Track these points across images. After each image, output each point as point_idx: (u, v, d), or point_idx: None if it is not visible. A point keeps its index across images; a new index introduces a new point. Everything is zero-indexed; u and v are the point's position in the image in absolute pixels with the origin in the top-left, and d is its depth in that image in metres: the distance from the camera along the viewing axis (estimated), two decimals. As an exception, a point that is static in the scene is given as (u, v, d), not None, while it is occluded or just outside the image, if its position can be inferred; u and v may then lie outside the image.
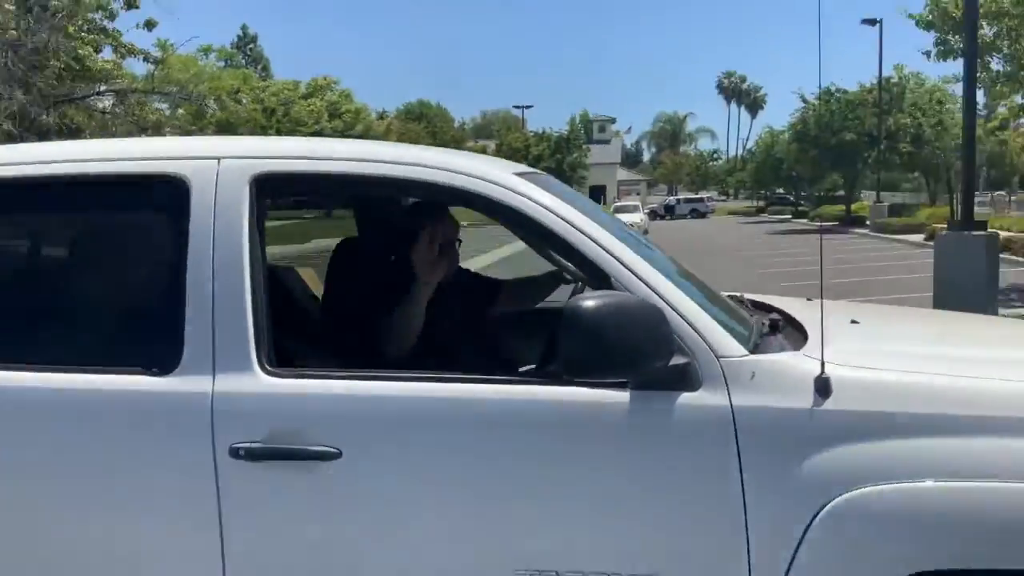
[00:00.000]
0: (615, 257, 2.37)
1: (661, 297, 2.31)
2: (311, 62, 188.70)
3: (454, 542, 2.32)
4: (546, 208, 2.44)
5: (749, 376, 2.25)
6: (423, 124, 59.13)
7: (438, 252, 2.96)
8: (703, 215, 63.50)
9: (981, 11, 13.28)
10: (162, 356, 2.38)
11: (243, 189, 2.46)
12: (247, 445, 2.28)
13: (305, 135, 46.60)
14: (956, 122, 30.89)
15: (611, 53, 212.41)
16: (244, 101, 28.46)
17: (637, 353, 2.19)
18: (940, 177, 40.66)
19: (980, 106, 30.58)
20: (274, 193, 2.69)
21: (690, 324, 2.29)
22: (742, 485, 2.20)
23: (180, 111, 29.52)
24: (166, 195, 2.54)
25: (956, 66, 15.05)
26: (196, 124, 26.19)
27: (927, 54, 16.21)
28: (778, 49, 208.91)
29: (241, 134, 26.71)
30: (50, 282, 2.79)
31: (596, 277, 2.39)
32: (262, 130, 27.55)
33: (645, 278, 2.35)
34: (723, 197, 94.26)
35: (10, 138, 11.75)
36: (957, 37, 14.46)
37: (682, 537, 2.26)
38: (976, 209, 11.95)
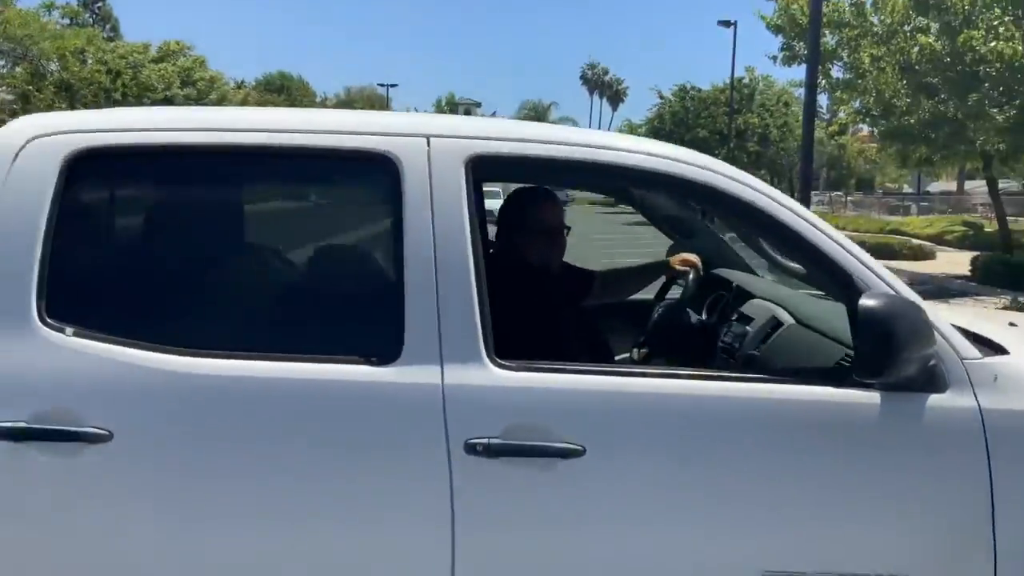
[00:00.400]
0: (856, 258, 2.35)
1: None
2: (165, 25, 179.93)
3: (700, 542, 2.26)
4: (789, 208, 2.39)
5: (992, 378, 2.28)
6: (283, 96, 57.41)
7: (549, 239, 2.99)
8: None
9: (824, 20, 14.04)
10: (381, 345, 2.25)
11: (459, 170, 2.32)
12: (485, 440, 2.18)
13: (154, 101, 44.48)
14: (800, 124, 32.63)
15: (478, 37, 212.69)
16: (88, 62, 26.80)
17: (913, 352, 2.18)
18: (784, 176, 42.88)
19: (823, 110, 32.45)
20: (488, 175, 2.53)
21: (933, 325, 2.27)
22: (991, 487, 2.22)
23: (18, 69, 27.57)
24: (374, 174, 2.40)
25: (801, 71, 15.83)
26: (33, 84, 24.50)
27: (773, 58, 16.99)
28: (639, 45, 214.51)
29: (83, 97, 25.25)
30: (258, 264, 2.60)
31: (837, 277, 2.36)
32: (105, 93, 26.01)
33: (886, 279, 2.33)
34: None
35: None
36: (802, 43, 15.22)
37: (930, 538, 2.26)
38: (814, 208, 12.60)
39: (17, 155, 2.28)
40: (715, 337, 3.32)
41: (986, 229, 24.14)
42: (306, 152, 2.38)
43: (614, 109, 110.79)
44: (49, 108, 24.76)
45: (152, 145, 2.37)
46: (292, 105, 55.01)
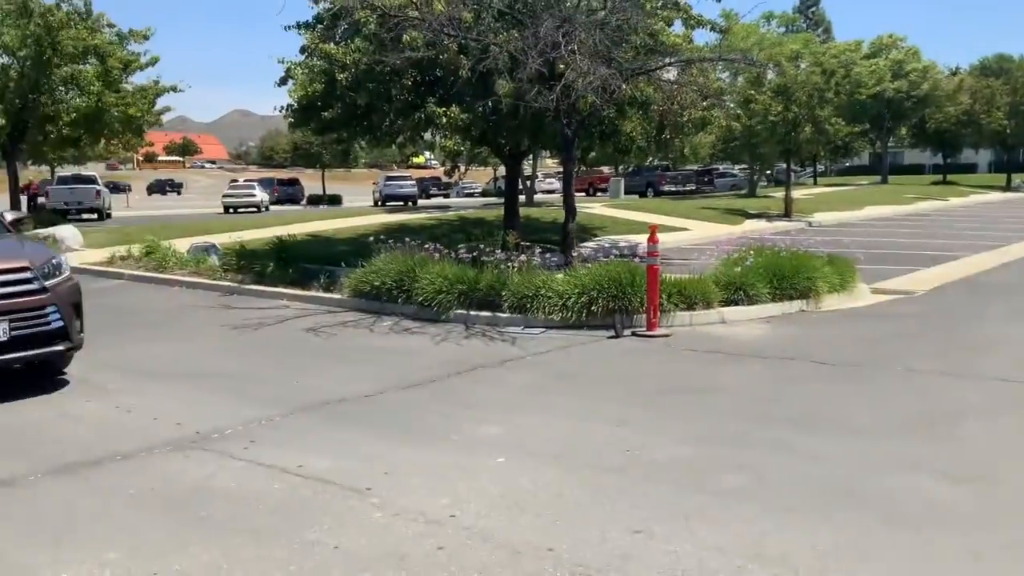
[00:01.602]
0: None
1: None
2: (876, 21, 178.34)
3: None
4: None
5: None
6: (1001, 80, 52.38)
7: None
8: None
9: None
10: None
11: None
12: None
13: (864, 97, 44.70)
14: None
15: None
16: (802, 65, 28.15)
17: None
18: None
19: None
20: None
21: None
22: None
23: (740, 79, 30.40)
24: None
25: None
26: (754, 90, 26.67)
27: None
28: None
29: (796, 98, 26.68)
30: None
31: None
32: (819, 93, 27.01)
33: None
34: None
35: (592, 108, 13.29)
36: None
37: None
38: None
39: None
40: None
41: None
42: None
43: None
44: (765, 111, 26.77)
45: None
46: (1014, 88, 49.98)
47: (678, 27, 15.74)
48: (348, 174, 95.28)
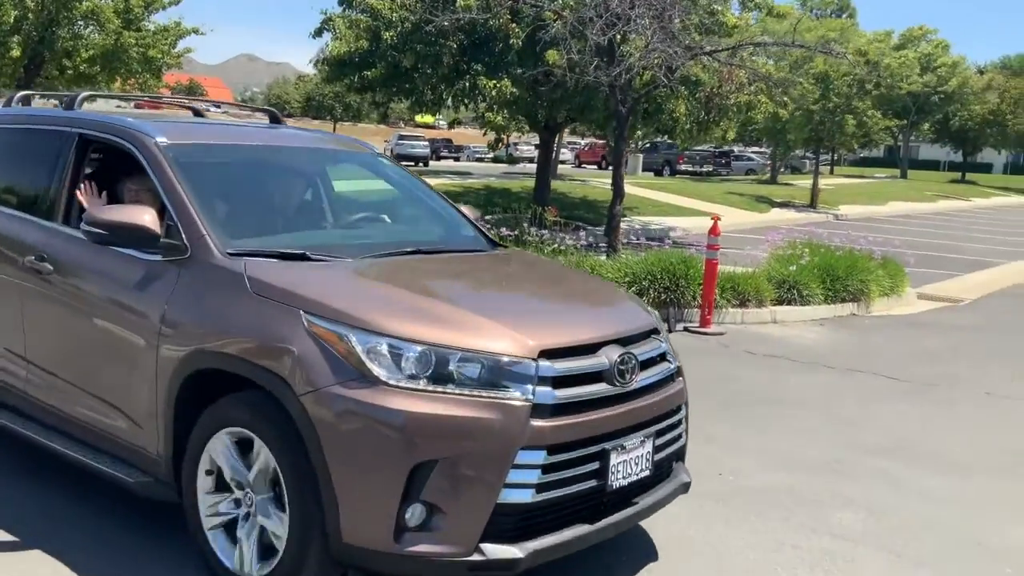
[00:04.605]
0: None
1: None
2: (901, 11, 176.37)
3: None
4: None
5: None
6: (1027, 80, 51.73)
7: None
8: None
9: None
10: None
11: None
12: None
13: (903, 91, 43.66)
14: None
15: None
16: (845, 54, 27.54)
17: None
18: None
19: None
20: None
21: None
22: None
23: (772, 63, 29.69)
24: None
25: None
26: (798, 76, 26.07)
27: None
28: None
29: (835, 87, 26.03)
30: None
31: None
32: (859, 84, 26.38)
33: None
34: None
35: (649, 86, 12.72)
36: None
37: None
38: None
39: None
40: None
41: None
42: None
43: None
44: (802, 97, 26.16)
45: None
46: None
47: (735, 8, 15.17)
48: (355, 128, 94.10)
